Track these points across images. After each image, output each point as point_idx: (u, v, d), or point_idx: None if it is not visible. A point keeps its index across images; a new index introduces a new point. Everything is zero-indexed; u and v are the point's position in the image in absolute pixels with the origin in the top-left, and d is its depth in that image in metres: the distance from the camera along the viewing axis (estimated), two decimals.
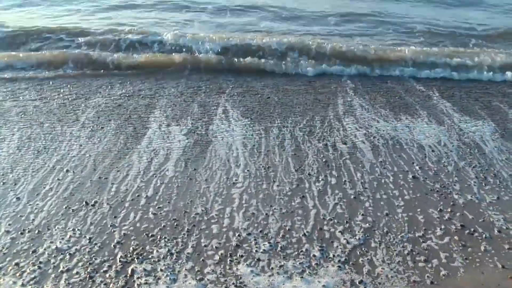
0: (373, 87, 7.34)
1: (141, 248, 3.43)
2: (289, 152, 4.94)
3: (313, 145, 5.12)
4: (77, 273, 3.17)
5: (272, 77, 7.68)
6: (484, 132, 5.66)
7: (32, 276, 3.13)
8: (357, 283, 3.15)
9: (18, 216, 3.76)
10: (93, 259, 3.30)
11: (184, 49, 8.49)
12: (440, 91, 7.24)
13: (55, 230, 3.60)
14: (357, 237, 3.61)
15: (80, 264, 3.25)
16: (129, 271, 3.20)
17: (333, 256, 3.40)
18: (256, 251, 3.43)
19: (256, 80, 7.39)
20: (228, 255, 3.38)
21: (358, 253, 3.45)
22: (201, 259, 3.33)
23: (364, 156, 4.91)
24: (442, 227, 3.77)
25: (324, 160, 4.78)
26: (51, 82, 6.98)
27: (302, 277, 3.18)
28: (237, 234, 3.61)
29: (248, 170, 4.54)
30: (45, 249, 3.38)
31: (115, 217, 3.78)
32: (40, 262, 3.25)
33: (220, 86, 7.07)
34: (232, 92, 6.80)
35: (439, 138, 5.42)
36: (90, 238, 3.52)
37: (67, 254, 3.34)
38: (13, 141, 5.03)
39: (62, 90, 6.66)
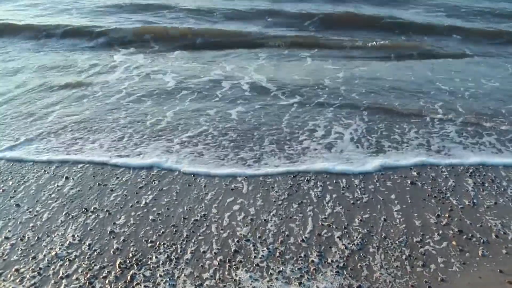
0: None
1: (140, 254, 3.45)
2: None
3: None
4: (76, 279, 3.19)
5: None
6: None
7: (32, 282, 3.15)
8: None
9: (18, 222, 3.78)
10: (93, 265, 3.32)
11: None
12: None
13: (55, 236, 3.62)
14: (355, 243, 3.63)
15: (79, 270, 3.27)
16: (129, 277, 3.22)
17: (332, 261, 3.42)
18: (254, 256, 3.45)
19: None
20: (227, 260, 3.40)
21: (356, 258, 3.47)
22: (200, 265, 3.35)
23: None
24: (440, 232, 3.79)
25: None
26: None
27: (300, 283, 3.20)
28: (235, 240, 3.63)
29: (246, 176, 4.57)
30: (45, 255, 3.41)
31: (114, 223, 3.80)
32: (40, 268, 3.27)
33: None
34: None
35: None
36: (89, 244, 3.54)
37: (67, 260, 3.37)
38: None
39: None
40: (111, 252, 3.47)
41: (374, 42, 9.58)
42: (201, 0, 12.79)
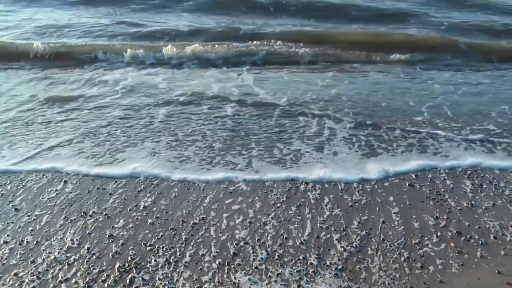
0: None
1: (139, 257, 3.45)
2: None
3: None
4: (75, 282, 3.19)
5: None
6: None
7: (31, 286, 3.15)
8: None
9: (17, 227, 3.78)
10: (92, 269, 3.32)
11: None
12: None
13: (54, 240, 3.62)
14: (354, 245, 3.64)
15: (78, 274, 3.27)
16: (128, 281, 3.22)
17: (330, 263, 3.42)
18: (253, 259, 3.46)
19: None
20: (226, 263, 3.40)
21: (355, 260, 3.47)
22: (199, 268, 3.35)
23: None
24: (438, 234, 3.80)
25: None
26: None
27: (299, 285, 3.20)
28: (234, 243, 3.63)
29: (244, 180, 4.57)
30: (43, 259, 3.40)
31: (113, 227, 3.80)
32: (39, 272, 3.27)
33: None
34: None
35: None
36: (88, 248, 3.54)
37: (66, 264, 3.36)
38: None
39: None
40: (110, 255, 3.47)
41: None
42: None
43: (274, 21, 11.67)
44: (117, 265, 3.36)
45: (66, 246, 3.55)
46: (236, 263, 3.41)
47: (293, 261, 3.45)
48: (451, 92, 7.36)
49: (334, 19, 12.04)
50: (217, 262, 3.41)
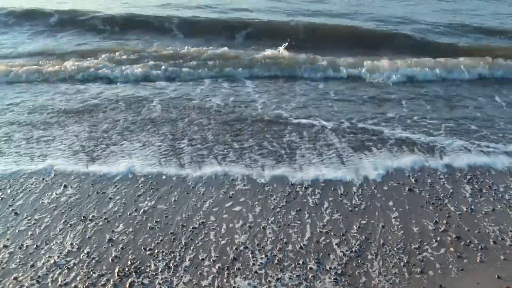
0: None
1: (139, 262, 3.45)
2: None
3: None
4: (75, 287, 3.18)
5: None
6: None
7: None
8: None
9: (16, 231, 3.78)
10: (91, 273, 3.32)
11: None
12: None
13: (54, 244, 3.62)
14: (353, 249, 3.64)
15: (78, 278, 3.27)
16: (127, 285, 3.22)
17: (330, 268, 3.42)
18: (253, 264, 3.46)
19: None
20: (226, 268, 3.40)
21: (355, 265, 3.47)
22: (198, 272, 3.35)
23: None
24: (438, 238, 3.80)
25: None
26: None
27: None
28: (234, 247, 3.63)
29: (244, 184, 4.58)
30: (43, 263, 3.40)
31: (113, 231, 3.80)
32: (39, 277, 3.27)
33: None
34: None
35: None
36: (88, 252, 3.54)
37: (66, 268, 3.36)
38: None
39: None
40: (110, 260, 3.47)
41: None
42: None
43: None
44: (116, 270, 3.36)
45: (66, 250, 3.55)
46: (235, 267, 3.41)
47: (293, 266, 3.45)
48: None
49: None
50: (216, 267, 3.41)
